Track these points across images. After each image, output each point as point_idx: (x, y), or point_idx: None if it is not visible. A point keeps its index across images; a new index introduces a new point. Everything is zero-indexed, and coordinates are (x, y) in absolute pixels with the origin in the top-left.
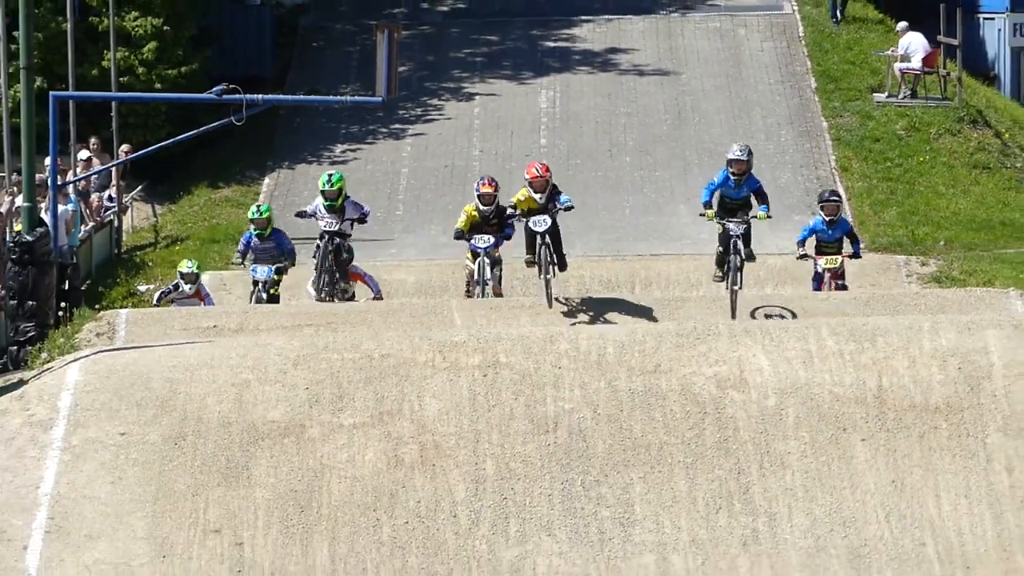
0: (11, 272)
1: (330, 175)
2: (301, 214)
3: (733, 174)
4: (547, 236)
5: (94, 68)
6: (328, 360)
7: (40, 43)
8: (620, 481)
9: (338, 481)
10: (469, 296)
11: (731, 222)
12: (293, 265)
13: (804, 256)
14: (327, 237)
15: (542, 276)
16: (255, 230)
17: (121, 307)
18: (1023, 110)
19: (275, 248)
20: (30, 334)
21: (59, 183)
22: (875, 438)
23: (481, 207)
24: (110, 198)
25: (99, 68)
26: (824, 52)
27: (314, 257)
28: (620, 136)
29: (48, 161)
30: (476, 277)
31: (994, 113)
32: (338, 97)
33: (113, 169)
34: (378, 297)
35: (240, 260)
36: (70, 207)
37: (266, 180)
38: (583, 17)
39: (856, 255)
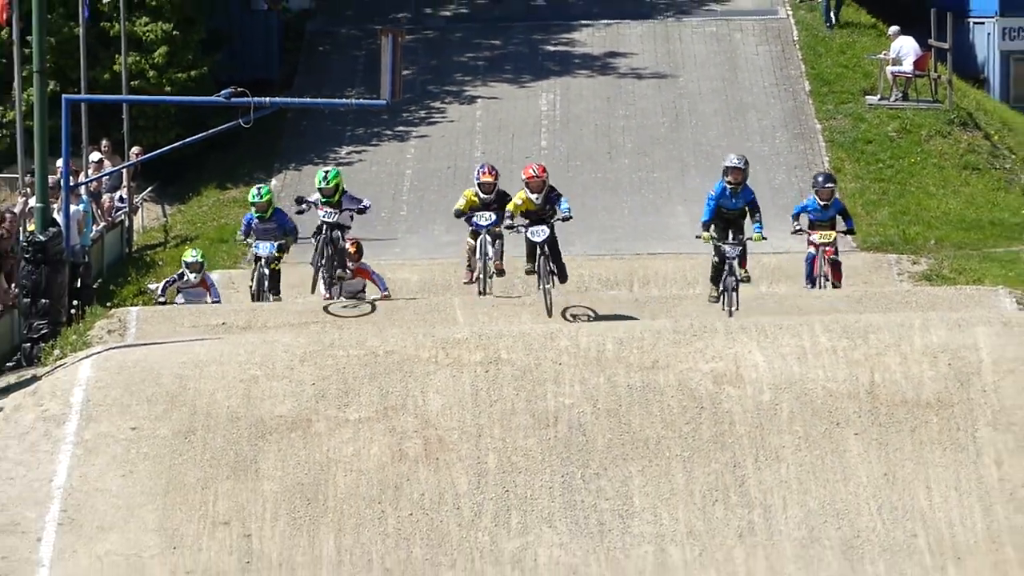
0: (25, 271)
1: (326, 172)
2: (300, 199)
3: (729, 183)
4: (545, 247)
5: (105, 72)
6: (334, 356)
7: (53, 48)
8: (619, 474)
9: (344, 474)
10: (470, 272)
11: (727, 244)
12: (295, 242)
13: (799, 231)
14: (325, 228)
15: (541, 287)
16: (256, 213)
17: (132, 305)
18: (1012, 112)
19: (276, 228)
20: (43, 331)
21: (71, 184)
22: (867, 432)
23: (482, 195)
24: (121, 199)
25: (110, 72)
26: (818, 56)
27: (311, 263)
28: (619, 138)
29: (60, 163)
30: (478, 252)
31: (984, 115)
32: (344, 100)
33: (124, 171)
34: (386, 295)
35: (243, 239)
36: (82, 207)
37: (273, 181)
38: (582, 22)
39: (850, 231)
